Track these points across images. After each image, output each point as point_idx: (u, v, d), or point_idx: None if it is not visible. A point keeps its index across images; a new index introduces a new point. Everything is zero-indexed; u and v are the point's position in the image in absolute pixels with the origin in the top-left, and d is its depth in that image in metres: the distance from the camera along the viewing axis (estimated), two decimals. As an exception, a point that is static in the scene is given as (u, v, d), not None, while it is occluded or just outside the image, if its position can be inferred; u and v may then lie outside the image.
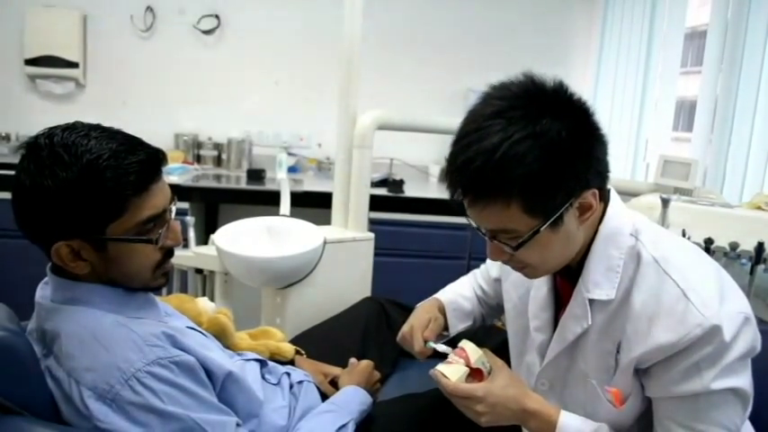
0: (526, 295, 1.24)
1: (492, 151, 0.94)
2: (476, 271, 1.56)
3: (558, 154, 0.95)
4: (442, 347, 1.22)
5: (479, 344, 1.58)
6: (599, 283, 1.07)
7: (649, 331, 1.01)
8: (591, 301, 1.08)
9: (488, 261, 1.49)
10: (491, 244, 1.06)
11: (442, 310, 1.45)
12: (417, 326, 1.35)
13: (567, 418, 1.10)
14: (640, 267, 1.05)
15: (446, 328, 1.44)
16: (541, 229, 0.99)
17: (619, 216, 1.08)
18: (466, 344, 1.17)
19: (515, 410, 1.10)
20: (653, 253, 1.05)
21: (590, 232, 1.08)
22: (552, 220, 0.98)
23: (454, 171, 0.99)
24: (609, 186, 1.09)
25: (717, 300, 0.99)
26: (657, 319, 1.01)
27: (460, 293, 1.51)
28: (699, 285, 1.00)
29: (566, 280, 1.14)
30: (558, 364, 1.17)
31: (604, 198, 1.07)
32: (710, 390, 0.97)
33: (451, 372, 1.12)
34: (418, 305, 1.49)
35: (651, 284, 1.03)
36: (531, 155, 0.93)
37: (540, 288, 1.20)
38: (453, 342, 1.30)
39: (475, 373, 1.14)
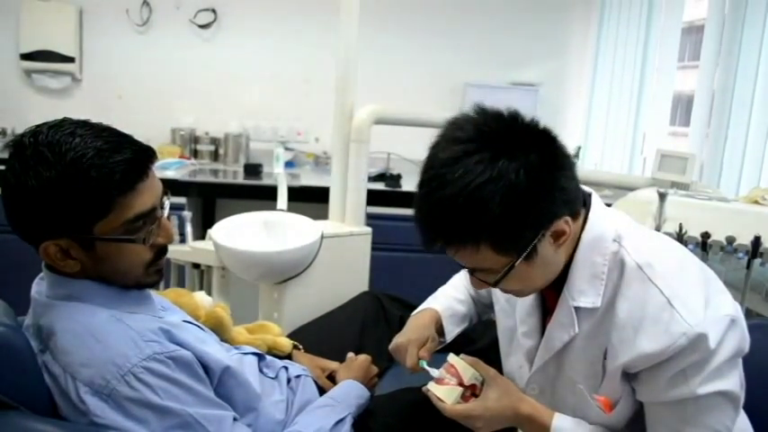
0: (513, 298, 1.23)
1: (453, 200, 0.94)
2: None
3: (518, 195, 0.94)
4: (435, 372, 1.21)
5: (477, 339, 1.58)
6: (584, 290, 1.07)
7: (635, 340, 1.01)
8: (577, 309, 1.08)
9: None
10: (471, 277, 1.07)
11: (439, 323, 1.43)
12: (415, 341, 1.33)
13: (560, 421, 1.11)
14: (624, 275, 1.04)
15: (442, 334, 1.43)
16: (516, 264, 1.00)
17: (601, 222, 1.07)
18: (457, 362, 1.17)
19: (510, 417, 1.13)
20: (636, 259, 1.04)
21: (572, 245, 1.07)
22: (525, 254, 0.99)
23: (421, 219, 1.01)
24: (589, 190, 1.09)
25: (702, 305, 0.99)
26: (642, 327, 1.00)
27: (454, 297, 1.49)
28: (683, 292, 1.00)
29: (551, 286, 1.13)
30: (546, 370, 1.17)
31: (584, 210, 1.07)
32: (698, 395, 0.98)
33: (446, 394, 1.14)
34: (413, 314, 1.46)
35: (636, 292, 1.02)
36: (493, 200, 0.93)
37: None
38: (451, 348, 1.31)
39: (469, 387, 1.15)
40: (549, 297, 1.16)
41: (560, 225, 1.00)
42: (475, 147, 0.96)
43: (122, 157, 0.99)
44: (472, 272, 1.06)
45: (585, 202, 1.08)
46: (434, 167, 0.98)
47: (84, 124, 1.02)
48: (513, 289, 1.09)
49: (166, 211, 1.10)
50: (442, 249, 1.02)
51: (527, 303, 1.19)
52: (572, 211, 1.03)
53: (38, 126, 1.01)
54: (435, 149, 1.01)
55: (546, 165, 0.97)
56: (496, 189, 0.93)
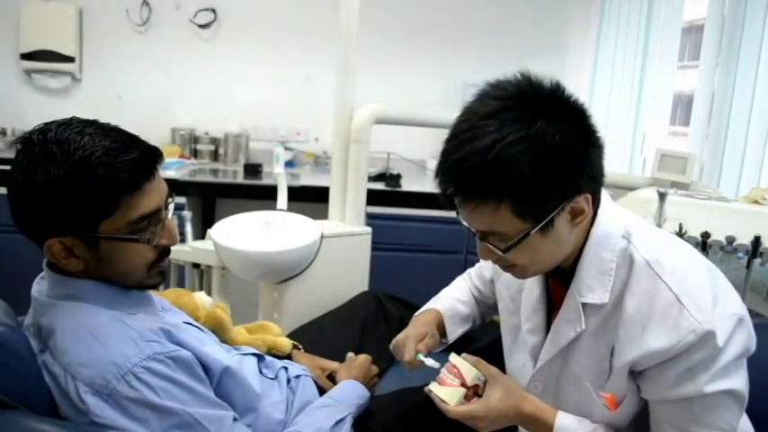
0: (517, 295, 1.24)
1: (484, 152, 0.93)
2: (471, 271, 1.55)
3: (550, 158, 0.94)
4: (430, 362, 1.22)
5: (476, 339, 1.58)
6: (592, 287, 1.06)
7: (643, 336, 1.01)
8: (584, 305, 1.08)
9: (482, 261, 1.48)
10: (481, 244, 1.05)
11: (441, 323, 1.43)
12: (413, 336, 1.34)
13: (563, 420, 1.10)
14: (633, 271, 1.04)
15: (444, 335, 1.43)
16: (531, 232, 0.98)
17: (610, 218, 1.08)
18: (459, 362, 1.17)
19: (514, 416, 1.12)
20: (645, 256, 1.04)
21: (582, 235, 1.07)
22: (542, 224, 0.98)
23: (446, 169, 0.99)
24: None
25: (710, 303, 0.98)
26: (651, 324, 1.00)
27: (458, 298, 1.49)
28: (692, 289, 1.00)
29: (558, 282, 1.14)
30: (550, 367, 1.17)
31: (597, 201, 1.06)
32: (704, 393, 0.98)
33: (449, 395, 1.13)
34: (416, 315, 1.47)
35: (644, 289, 1.02)
36: (524, 158, 0.92)
37: (532, 290, 1.19)
38: (451, 348, 1.31)
39: (472, 388, 1.15)
40: (556, 293, 1.16)
41: (581, 202, 1.00)
42: (515, 104, 0.96)
43: (130, 157, 1.00)
44: (484, 236, 1.03)
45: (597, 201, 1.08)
46: (470, 119, 0.97)
47: (92, 123, 1.03)
48: (520, 263, 1.06)
49: (171, 213, 1.10)
50: (451, 204, 1.01)
51: (532, 300, 1.19)
52: (594, 191, 1.02)
53: (46, 124, 1.01)
54: (472, 104, 1.00)
55: (580, 136, 0.98)
56: (530, 148, 0.93)
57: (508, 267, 1.09)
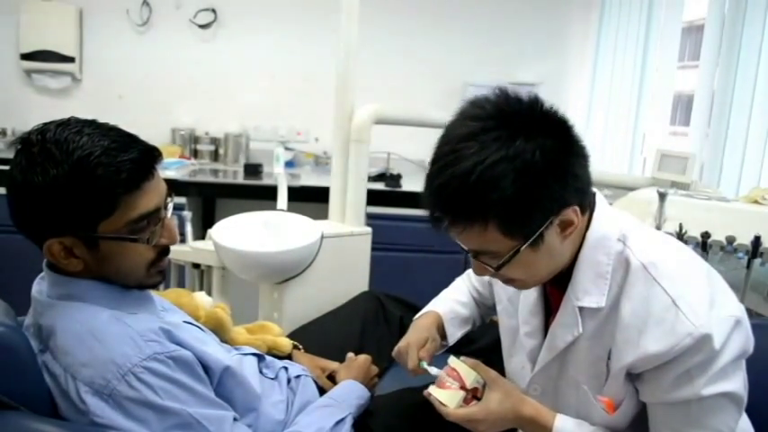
0: (515, 297, 1.24)
1: (466, 176, 0.93)
2: (470, 271, 1.55)
3: (532, 176, 0.93)
4: (434, 371, 1.23)
5: (476, 340, 1.58)
6: (588, 290, 1.06)
7: (639, 340, 1.00)
8: (581, 309, 1.08)
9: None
10: (475, 261, 1.06)
11: (441, 325, 1.43)
12: (414, 343, 1.34)
13: (562, 422, 1.11)
14: (629, 274, 1.04)
15: (444, 337, 1.44)
16: (521, 249, 0.99)
17: (605, 221, 1.07)
18: (458, 365, 1.17)
19: (512, 419, 1.13)
20: (641, 259, 1.04)
21: (577, 241, 1.06)
22: (531, 240, 0.98)
23: (431, 194, 0.99)
24: (594, 190, 1.09)
25: (706, 306, 0.98)
26: (647, 328, 1.00)
27: (457, 300, 1.49)
28: (688, 292, 0.99)
29: (555, 286, 1.14)
30: (548, 370, 1.17)
31: (589, 208, 1.06)
32: (702, 396, 0.97)
33: (448, 398, 1.13)
34: (416, 318, 1.47)
35: (640, 292, 1.02)
36: (506, 179, 0.92)
37: (529, 293, 1.19)
38: (450, 349, 1.31)
39: (471, 390, 1.15)
40: (553, 297, 1.15)
41: (569, 214, 0.99)
42: (494, 124, 0.95)
43: (129, 157, 0.99)
44: (476, 255, 1.04)
45: (590, 201, 1.08)
46: (450, 142, 0.97)
47: (91, 123, 1.03)
48: (516, 278, 1.07)
49: (170, 212, 1.10)
50: (446, 229, 1.01)
51: (530, 303, 1.19)
52: (582, 202, 1.02)
53: (45, 124, 1.01)
54: (452, 125, 1.00)
55: (562, 149, 0.97)
56: (511, 168, 0.92)
57: (508, 281, 1.10)
